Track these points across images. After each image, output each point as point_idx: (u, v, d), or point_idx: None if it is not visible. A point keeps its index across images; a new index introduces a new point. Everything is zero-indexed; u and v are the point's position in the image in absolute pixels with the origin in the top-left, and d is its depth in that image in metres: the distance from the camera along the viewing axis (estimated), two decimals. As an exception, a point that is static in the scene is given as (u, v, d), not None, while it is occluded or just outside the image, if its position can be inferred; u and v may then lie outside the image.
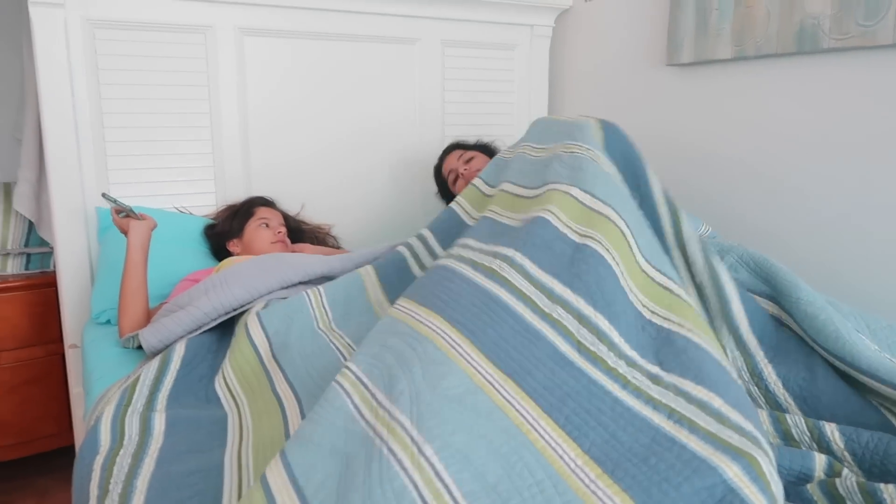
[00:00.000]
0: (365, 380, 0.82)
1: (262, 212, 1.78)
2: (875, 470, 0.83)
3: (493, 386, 0.80)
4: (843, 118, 1.54)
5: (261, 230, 1.73)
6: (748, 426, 0.72)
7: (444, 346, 0.86)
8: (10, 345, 2.15)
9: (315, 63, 2.00)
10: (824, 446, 0.89)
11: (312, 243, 1.87)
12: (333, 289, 1.29)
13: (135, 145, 1.80)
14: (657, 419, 0.76)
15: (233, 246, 1.77)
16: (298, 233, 1.88)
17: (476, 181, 1.50)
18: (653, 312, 0.96)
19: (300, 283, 1.41)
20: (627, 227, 1.07)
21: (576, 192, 1.13)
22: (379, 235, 2.12)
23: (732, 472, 0.66)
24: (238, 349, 1.18)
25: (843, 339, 1.00)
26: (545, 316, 0.92)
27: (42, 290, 2.17)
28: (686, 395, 0.79)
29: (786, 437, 0.92)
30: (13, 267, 2.21)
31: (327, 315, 1.24)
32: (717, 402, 0.76)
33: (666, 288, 1.00)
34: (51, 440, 2.27)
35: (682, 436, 0.73)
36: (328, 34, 1.99)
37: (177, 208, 1.88)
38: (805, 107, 1.61)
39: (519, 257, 1.01)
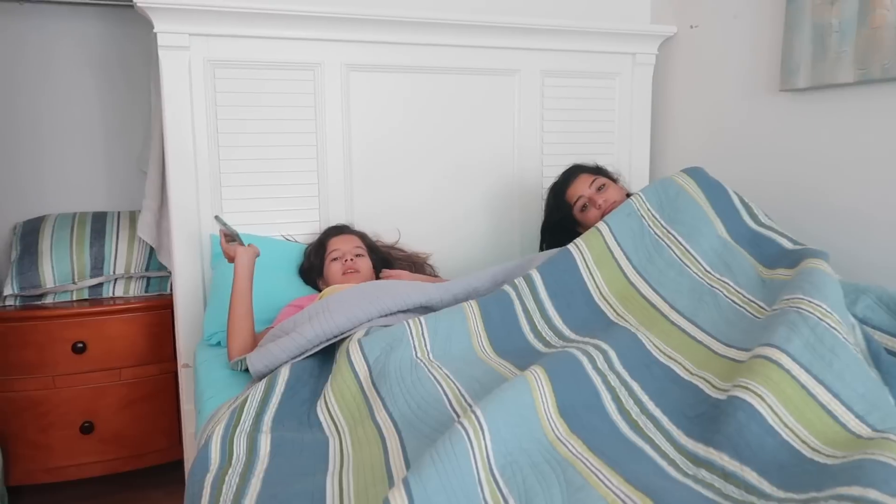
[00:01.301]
0: (499, 478, 0.85)
1: (333, 243, 1.78)
2: None
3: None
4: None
5: (333, 265, 1.73)
6: None
7: (585, 471, 0.86)
8: (129, 362, 2.29)
9: (416, 95, 2.05)
10: None
11: (409, 270, 1.89)
12: (435, 321, 1.30)
13: (247, 176, 1.90)
14: None
15: (321, 284, 1.80)
16: (390, 258, 1.90)
17: (610, 241, 1.49)
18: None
19: (399, 311, 1.42)
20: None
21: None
22: (475, 265, 2.12)
23: None
24: (339, 375, 1.20)
25: None
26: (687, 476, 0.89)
27: (159, 311, 2.31)
28: None
29: None
30: (135, 289, 2.37)
31: (426, 345, 1.25)
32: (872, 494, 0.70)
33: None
34: (162, 454, 2.39)
35: None
36: (428, 68, 2.04)
37: (283, 236, 1.96)
38: (939, 132, 1.48)
39: (669, 427, 1.00)
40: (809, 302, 1.10)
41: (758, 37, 1.93)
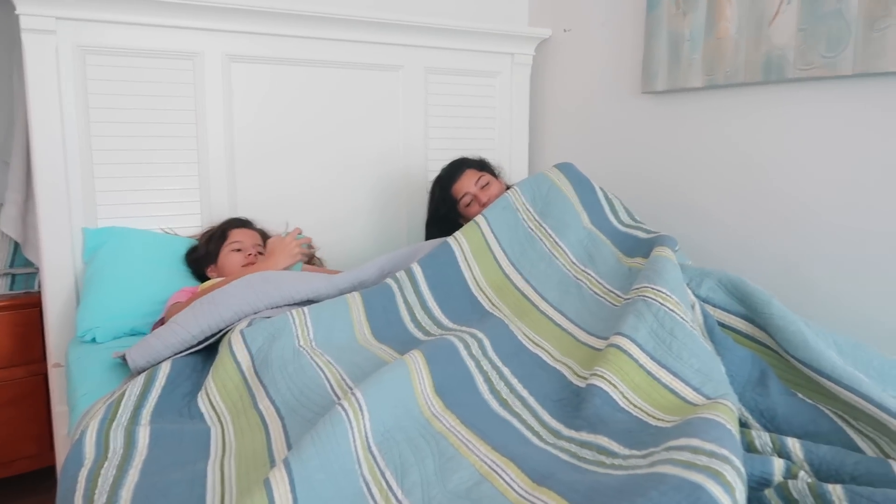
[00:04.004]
0: (376, 453, 0.90)
1: (235, 234, 1.78)
2: (831, 479, 0.88)
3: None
4: (808, 144, 1.60)
5: (232, 255, 1.73)
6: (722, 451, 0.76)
7: (457, 442, 0.93)
8: (-7, 364, 2.15)
9: (299, 89, 2.05)
10: (785, 456, 0.93)
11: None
12: (318, 311, 1.33)
13: (122, 168, 1.84)
14: (643, 470, 0.80)
15: (210, 272, 1.78)
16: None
17: (488, 235, 1.57)
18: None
19: (285, 305, 1.44)
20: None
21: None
22: (364, 256, 2.16)
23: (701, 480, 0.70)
24: (221, 366, 1.20)
25: (811, 347, 1.06)
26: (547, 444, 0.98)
27: (26, 310, 2.18)
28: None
29: (749, 449, 0.97)
30: (-2, 287, 2.22)
31: (309, 334, 1.27)
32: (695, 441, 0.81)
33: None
34: (31, 461, 2.26)
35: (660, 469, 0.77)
36: (313, 61, 2.05)
37: (163, 229, 1.91)
38: (771, 132, 1.68)
39: (535, 406, 1.08)
40: (653, 289, 1.23)
41: (622, 42, 2.09)
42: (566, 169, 1.77)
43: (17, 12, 1.62)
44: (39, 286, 2.28)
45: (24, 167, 2.13)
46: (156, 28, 1.81)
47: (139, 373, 1.29)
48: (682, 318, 1.15)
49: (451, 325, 1.40)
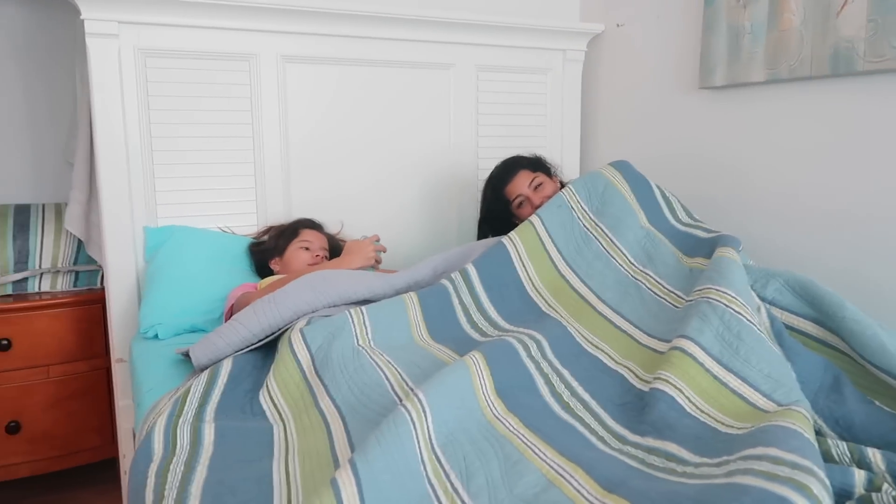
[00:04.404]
0: (440, 455, 0.89)
1: (306, 234, 1.83)
2: (915, 491, 0.84)
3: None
4: (879, 140, 1.54)
5: (300, 252, 1.79)
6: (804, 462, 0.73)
7: (521, 446, 0.91)
8: (58, 359, 2.23)
9: (352, 89, 2.07)
10: (865, 467, 0.90)
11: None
12: (376, 311, 1.33)
13: (181, 168, 1.88)
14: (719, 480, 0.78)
15: (274, 264, 1.82)
16: (337, 251, 1.93)
17: (542, 234, 1.55)
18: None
19: (343, 304, 1.45)
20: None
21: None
22: (414, 255, 2.16)
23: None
24: (282, 364, 1.22)
25: (890, 352, 1.02)
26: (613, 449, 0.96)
27: (89, 306, 2.25)
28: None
29: (826, 459, 0.93)
30: (63, 284, 2.30)
31: (367, 334, 1.28)
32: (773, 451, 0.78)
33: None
34: (93, 453, 2.34)
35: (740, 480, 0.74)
36: (365, 60, 2.06)
37: (220, 228, 1.94)
38: (840, 129, 1.61)
39: (598, 409, 1.06)
40: (717, 290, 1.20)
41: (677, 37, 2.04)
42: (622, 167, 1.74)
43: (82, 17, 1.67)
44: (102, 283, 2.36)
45: (87, 167, 2.20)
46: (213, 30, 1.85)
47: (202, 369, 1.32)
48: (748, 320, 1.12)
49: (507, 325, 1.39)
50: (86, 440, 2.30)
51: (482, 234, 1.94)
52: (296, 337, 1.25)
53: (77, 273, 2.32)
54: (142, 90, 1.80)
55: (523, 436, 0.94)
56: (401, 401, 1.03)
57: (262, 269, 1.85)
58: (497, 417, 0.99)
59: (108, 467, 2.41)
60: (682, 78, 2.04)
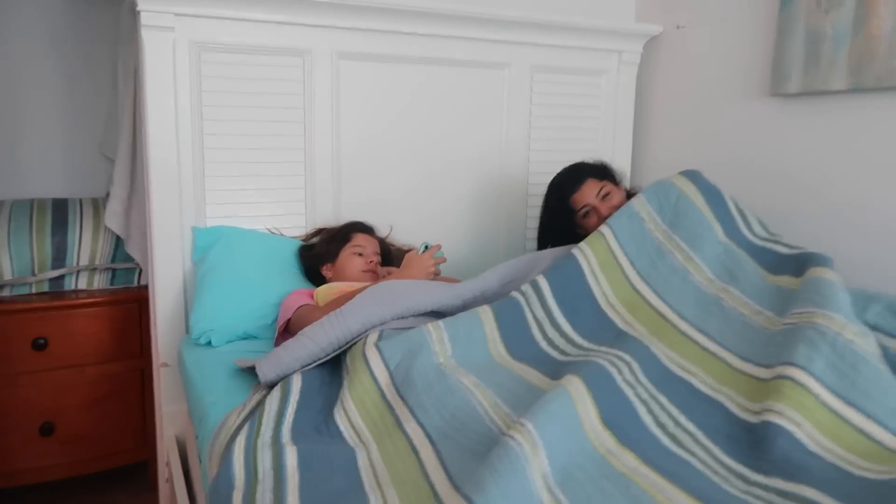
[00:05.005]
0: (560, 496, 0.82)
1: (358, 239, 1.77)
2: None
3: None
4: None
5: (354, 258, 1.72)
6: None
7: (649, 487, 0.85)
8: (93, 359, 2.17)
9: (406, 88, 2.00)
10: None
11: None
12: (454, 326, 1.27)
13: (231, 167, 1.81)
14: None
15: (326, 270, 1.76)
16: (389, 256, 1.87)
17: (614, 246, 1.49)
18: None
19: (411, 315, 1.38)
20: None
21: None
22: (460, 259, 2.10)
23: None
24: (358, 382, 1.15)
25: None
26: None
27: (126, 305, 2.19)
28: None
29: None
30: (99, 282, 2.24)
31: (447, 351, 1.22)
32: None
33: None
34: (128, 455, 2.29)
35: None
36: (420, 58, 1.99)
37: (268, 229, 1.88)
38: (929, 142, 1.54)
39: (706, 442, 0.99)
40: (824, 315, 1.13)
41: (745, 40, 1.96)
42: (694, 177, 1.66)
43: (138, 9, 1.60)
44: (139, 281, 2.30)
45: (130, 163, 2.13)
46: (268, 24, 1.78)
47: (268, 386, 1.26)
48: (863, 350, 1.05)
49: (585, 343, 1.32)
50: (119, 442, 2.25)
51: (543, 244, 1.87)
52: (371, 353, 1.18)
53: (114, 271, 2.27)
54: (195, 85, 1.73)
55: (645, 475, 0.87)
56: (501, 430, 0.97)
57: (313, 275, 1.79)
58: (610, 452, 0.92)
59: (141, 469, 2.36)
60: (749, 84, 1.96)
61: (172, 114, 1.71)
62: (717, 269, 1.46)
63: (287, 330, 1.54)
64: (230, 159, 1.81)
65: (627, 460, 0.90)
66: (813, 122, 1.78)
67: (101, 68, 2.41)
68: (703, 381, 1.15)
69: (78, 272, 2.21)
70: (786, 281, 1.38)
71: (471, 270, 2.08)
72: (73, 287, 2.21)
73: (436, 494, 0.88)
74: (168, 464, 1.80)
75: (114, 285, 2.26)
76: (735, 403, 1.08)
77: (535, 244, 2.26)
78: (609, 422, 0.98)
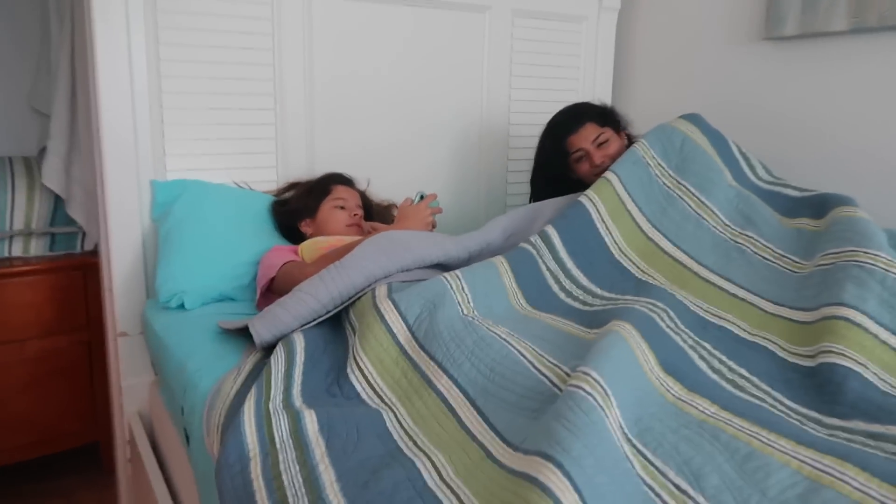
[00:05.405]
0: (642, 448, 0.74)
1: (339, 191, 1.62)
2: None
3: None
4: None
5: (336, 212, 1.59)
6: None
7: (742, 435, 0.76)
8: (33, 333, 1.97)
9: (382, 28, 1.84)
10: None
11: (382, 222, 1.72)
12: (472, 276, 1.15)
13: (193, 114, 1.62)
14: None
15: (304, 226, 1.61)
16: (370, 210, 1.73)
17: (622, 193, 1.41)
18: None
19: (417, 268, 1.26)
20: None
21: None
22: (442, 215, 1.97)
23: None
24: (372, 338, 1.03)
25: None
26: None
27: (68, 273, 1.99)
28: None
29: None
30: (36, 248, 2.01)
31: (469, 302, 1.10)
32: None
33: None
34: (75, 437, 2.09)
35: None
36: (397, -2, 1.84)
37: (236, 183, 1.71)
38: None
39: (765, 387, 0.92)
40: (866, 253, 1.08)
41: (734, -17, 1.89)
42: (697, 120, 1.59)
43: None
44: (83, 247, 2.08)
45: (68, 115, 1.91)
46: (231, -46, 1.59)
47: (264, 347, 1.11)
48: None
49: (606, 294, 1.24)
50: (66, 424, 2.05)
51: (536, 187, 1.76)
52: (386, 305, 1.06)
53: (53, 236, 2.04)
54: (150, 22, 1.53)
55: (729, 420, 0.79)
56: (554, 383, 0.87)
57: (290, 231, 1.63)
58: (681, 399, 0.84)
59: (89, 453, 2.17)
60: (739, 28, 1.89)
61: (125, 56, 1.50)
62: (731, 214, 1.40)
63: (271, 289, 1.40)
64: (192, 105, 1.62)
65: (703, 406, 0.82)
66: (810, 65, 1.73)
67: (27, 12, 2.14)
68: (738, 328, 1.08)
69: (11, 238, 1.97)
70: (805, 223, 1.33)
71: (450, 228, 1.96)
72: (6, 254, 1.97)
73: (489, 455, 0.77)
74: (131, 442, 1.63)
75: (53, 252, 2.04)
76: (780, 348, 1.01)
77: (516, 200, 2.17)
78: (669, 368, 0.89)
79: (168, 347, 1.27)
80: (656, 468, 0.70)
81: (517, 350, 0.94)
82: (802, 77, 1.76)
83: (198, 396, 1.06)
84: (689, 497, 0.66)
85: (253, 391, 0.92)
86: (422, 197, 1.51)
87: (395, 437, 0.85)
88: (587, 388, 0.75)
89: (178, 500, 1.33)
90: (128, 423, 1.65)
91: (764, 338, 1.05)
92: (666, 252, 1.33)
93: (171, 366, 1.23)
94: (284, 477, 0.76)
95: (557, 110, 1.72)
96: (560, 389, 0.85)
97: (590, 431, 0.69)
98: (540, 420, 0.75)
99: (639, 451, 0.72)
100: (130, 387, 1.63)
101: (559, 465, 0.64)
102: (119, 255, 1.59)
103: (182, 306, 1.41)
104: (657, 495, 0.67)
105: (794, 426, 0.80)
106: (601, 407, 0.73)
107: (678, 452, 0.72)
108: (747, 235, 1.33)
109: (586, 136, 1.62)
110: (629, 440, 0.73)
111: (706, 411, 0.80)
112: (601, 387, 0.76)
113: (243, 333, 1.22)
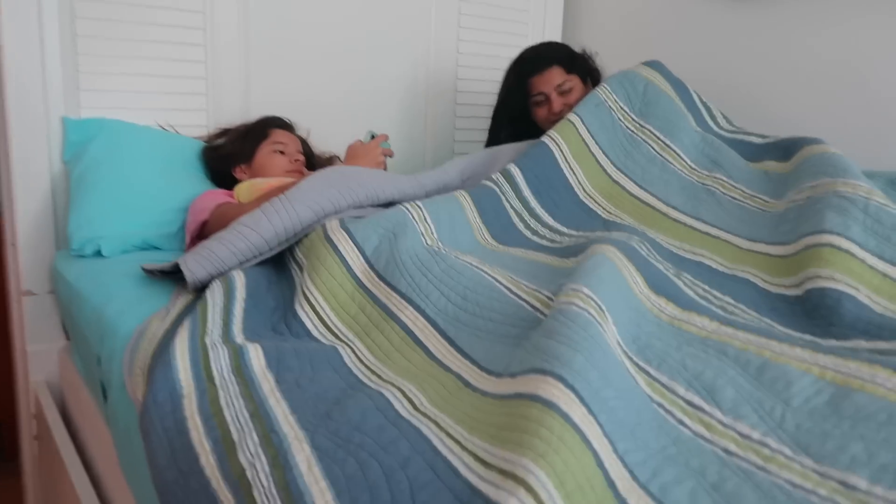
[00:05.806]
0: (646, 366, 0.67)
1: (278, 135, 1.49)
2: None
3: None
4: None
5: (275, 156, 1.46)
6: None
7: (752, 348, 0.70)
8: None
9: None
10: None
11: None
12: (435, 207, 1.05)
13: (112, 44, 1.45)
14: None
15: (240, 172, 1.47)
16: (310, 159, 1.60)
17: (585, 135, 1.34)
18: None
19: (370, 206, 1.14)
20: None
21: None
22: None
23: None
24: (324, 270, 0.91)
25: None
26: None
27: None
28: None
29: None
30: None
31: (434, 234, 1.00)
32: None
33: None
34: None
35: None
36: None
37: (160, 125, 1.54)
38: (886, 38, 1.50)
39: (754, 313, 0.86)
40: (846, 182, 1.04)
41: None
42: (659, 67, 1.54)
43: None
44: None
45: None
46: None
47: (197, 288, 0.97)
48: None
49: (572, 231, 1.16)
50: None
51: (497, 123, 1.67)
52: (339, 236, 0.94)
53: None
54: (60, -68, 1.35)
55: (734, 335, 0.71)
56: (537, 308, 0.77)
57: (223, 179, 1.49)
58: (677, 318, 0.76)
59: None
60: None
61: (30, -32, 1.32)
62: (697, 158, 1.35)
63: (202, 235, 1.25)
64: (110, 34, 1.45)
65: (703, 323, 0.74)
66: (762, 21, 1.70)
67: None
68: (715, 262, 1.02)
69: None
70: (772, 166, 1.29)
71: (399, 160, 1.85)
72: None
73: (467, 384, 0.67)
74: (38, 416, 1.45)
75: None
76: (761, 279, 0.96)
77: (464, 149, 2.07)
78: (660, 290, 0.81)
79: (82, 295, 1.11)
80: (663, 385, 0.62)
81: (492, 276, 0.84)
82: (752, 32, 1.72)
83: (118, 341, 0.92)
84: (705, 412, 0.58)
85: (186, 324, 0.78)
86: (373, 136, 1.39)
87: (355, 371, 0.74)
88: (580, 303, 0.66)
89: (95, 475, 1.17)
90: (34, 395, 1.46)
91: (743, 270, 0.99)
92: (632, 194, 1.27)
93: (85, 314, 1.07)
94: (227, 412, 0.63)
95: (527, 46, 1.65)
96: (543, 314, 0.76)
97: (590, 345, 0.59)
98: (524, 346, 0.65)
99: (641, 369, 0.64)
100: (37, 353, 1.45)
101: (561, 378, 0.54)
102: (23, 203, 1.40)
103: (98, 253, 1.25)
104: (668, 412, 0.58)
105: (805, 338, 0.73)
106: (597, 322, 0.64)
107: (685, 368, 0.64)
108: (715, 177, 1.28)
109: (550, 80, 1.55)
110: (629, 357, 0.65)
111: (706, 328, 0.73)
112: (594, 301, 0.67)
113: (172, 278, 1.08)
